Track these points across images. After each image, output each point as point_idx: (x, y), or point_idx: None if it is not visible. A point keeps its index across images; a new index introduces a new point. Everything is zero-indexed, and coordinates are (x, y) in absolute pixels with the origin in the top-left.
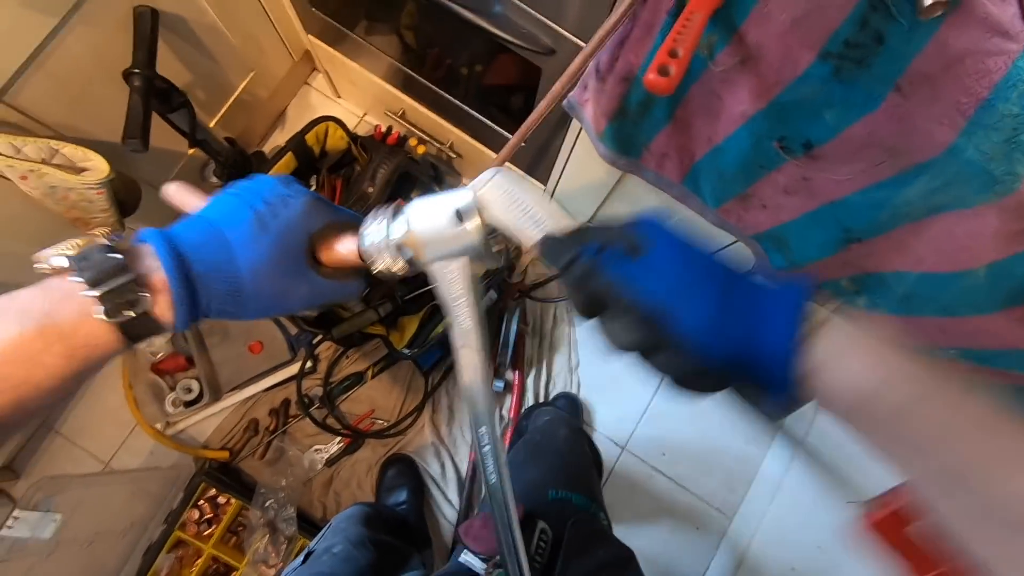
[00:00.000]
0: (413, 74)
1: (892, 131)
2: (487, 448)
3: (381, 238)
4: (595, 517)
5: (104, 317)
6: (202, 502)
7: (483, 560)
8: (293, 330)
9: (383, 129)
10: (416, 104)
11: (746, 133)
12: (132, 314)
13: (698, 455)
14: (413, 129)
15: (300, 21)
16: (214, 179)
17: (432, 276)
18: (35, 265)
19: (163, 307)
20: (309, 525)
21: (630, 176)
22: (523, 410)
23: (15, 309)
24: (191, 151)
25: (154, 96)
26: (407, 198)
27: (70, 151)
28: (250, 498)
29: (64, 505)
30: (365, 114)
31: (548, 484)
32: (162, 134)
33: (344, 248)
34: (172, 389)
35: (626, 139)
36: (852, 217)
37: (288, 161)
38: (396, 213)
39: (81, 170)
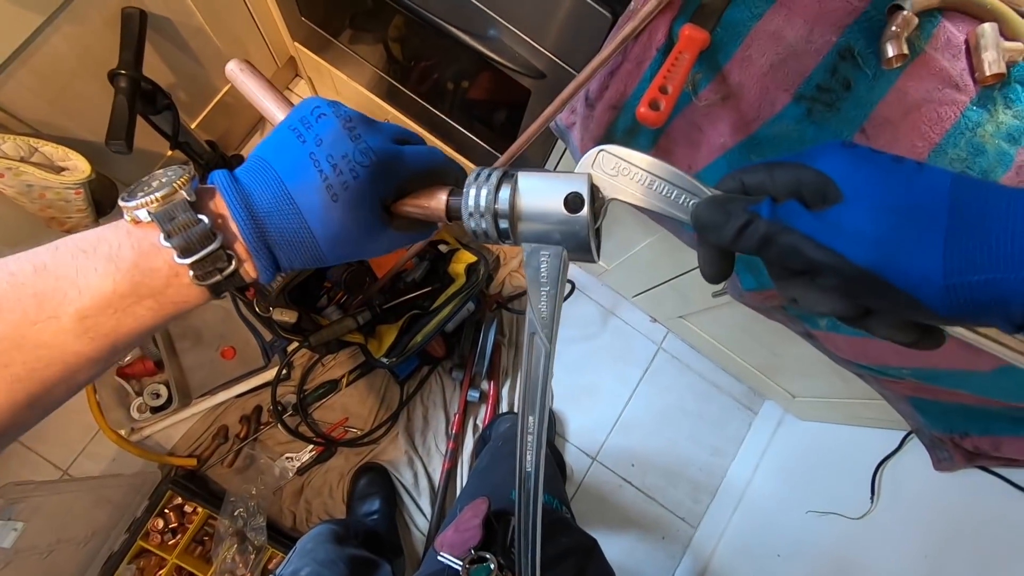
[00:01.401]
0: (398, 86)
1: None
2: (531, 438)
3: (483, 203)
4: (557, 510)
5: (196, 282)
6: (168, 511)
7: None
8: (267, 336)
9: None
10: (400, 115)
11: (724, 163)
12: (220, 277)
13: (666, 466)
14: None
15: (287, 27)
16: None
17: (525, 255)
18: (122, 204)
19: (248, 268)
20: (279, 535)
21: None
22: (489, 422)
23: (103, 256)
24: (171, 153)
25: (139, 97)
26: None
27: (50, 150)
28: (218, 507)
29: (24, 513)
30: None
31: (511, 485)
32: (142, 134)
33: (425, 205)
34: (138, 394)
35: None
36: None
37: None
38: (503, 181)
39: (60, 169)
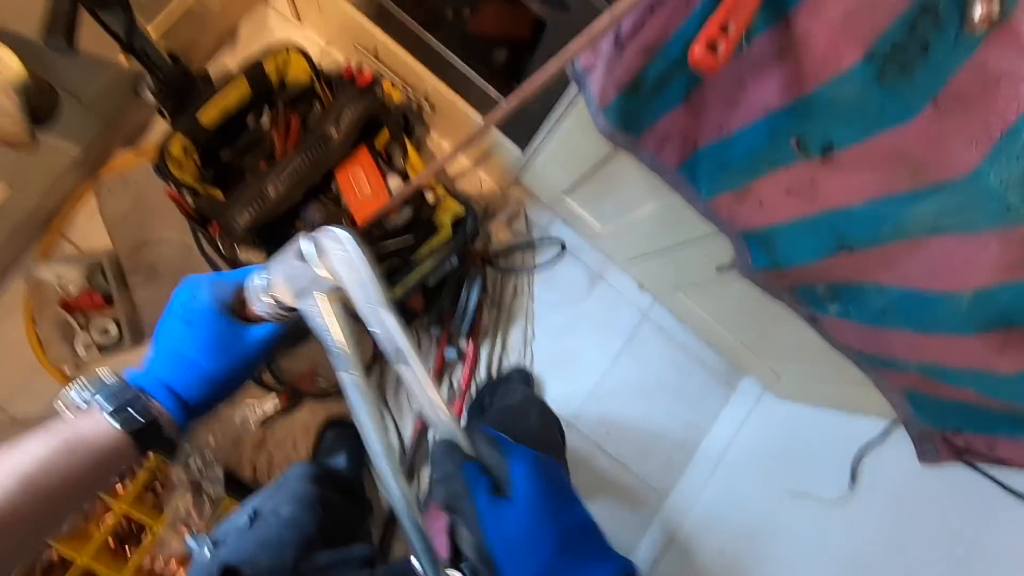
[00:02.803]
0: (390, 8)
1: (921, 146)
2: (384, 464)
3: (257, 296)
4: None
5: (118, 426)
6: None
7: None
8: None
9: (353, 68)
10: (390, 42)
11: (764, 126)
12: (141, 421)
13: (640, 437)
14: (385, 70)
15: None
16: (149, 96)
17: (303, 315)
18: (57, 405)
19: (158, 412)
20: (238, 486)
21: (615, 157)
22: (485, 385)
23: (43, 432)
24: (123, 58)
25: None
26: (371, 145)
27: None
28: (172, 455)
29: None
30: (328, 44)
31: None
32: (91, 36)
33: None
34: (84, 328)
35: (631, 115)
36: (851, 227)
37: (242, 89)
38: (262, 274)
39: None
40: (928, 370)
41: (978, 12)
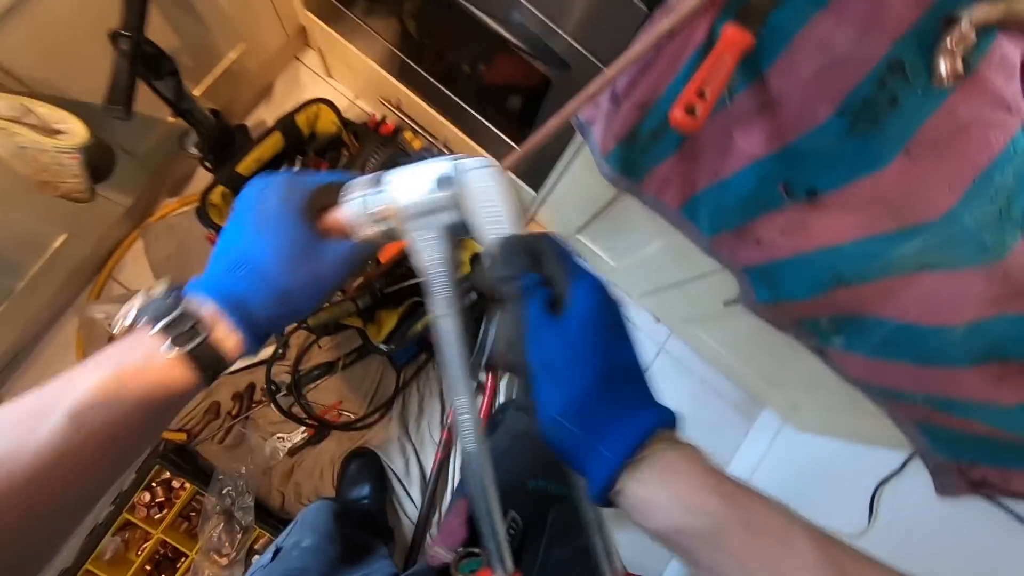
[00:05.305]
0: (412, 64)
1: (897, 190)
2: (465, 416)
3: (361, 208)
4: (576, 508)
5: (169, 348)
6: (155, 485)
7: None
8: None
9: (377, 118)
10: (411, 94)
11: (753, 173)
12: (194, 342)
13: None
14: (406, 120)
15: None
16: (193, 150)
17: (411, 245)
18: (113, 327)
19: (223, 331)
20: (267, 515)
21: (622, 198)
22: (499, 404)
23: (93, 361)
24: (171, 120)
25: (141, 61)
26: None
27: (46, 111)
28: (206, 483)
29: None
30: (356, 98)
31: (528, 474)
32: (143, 99)
33: (339, 215)
34: None
35: (631, 162)
36: (844, 263)
37: (275, 140)
38: (377, 182)
39: (55, 132)
40: (934, 402)
41: (944, 69)
